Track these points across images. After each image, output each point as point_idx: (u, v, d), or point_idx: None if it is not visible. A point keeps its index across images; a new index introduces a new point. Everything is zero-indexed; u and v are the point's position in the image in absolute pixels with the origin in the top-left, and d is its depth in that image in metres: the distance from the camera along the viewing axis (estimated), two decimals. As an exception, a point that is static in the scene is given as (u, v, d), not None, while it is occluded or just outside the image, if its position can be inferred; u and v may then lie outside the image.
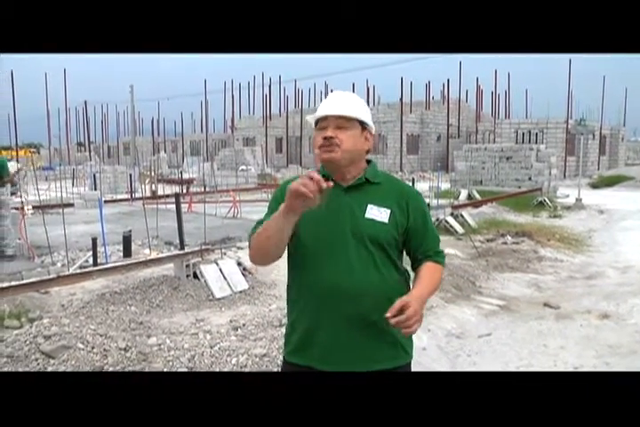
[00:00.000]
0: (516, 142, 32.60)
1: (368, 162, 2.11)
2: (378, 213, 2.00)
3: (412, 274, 2.16)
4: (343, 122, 1.97)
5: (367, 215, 1.99)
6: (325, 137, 1.96)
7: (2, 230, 8.56)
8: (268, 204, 2.16)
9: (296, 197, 1.73)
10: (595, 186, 26.62)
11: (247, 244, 2.13)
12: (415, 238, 2.09)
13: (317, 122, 2.04)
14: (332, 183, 1.74)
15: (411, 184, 15.36)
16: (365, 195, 2.03)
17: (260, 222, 2.03)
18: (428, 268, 2.08)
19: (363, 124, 2.03)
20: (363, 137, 2.04)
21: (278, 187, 2.16)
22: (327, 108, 2.01)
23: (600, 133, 37.49)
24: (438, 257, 2.13)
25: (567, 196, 19.80)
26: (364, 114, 2.04)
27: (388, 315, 1.81)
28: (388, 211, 2.01)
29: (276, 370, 4.20)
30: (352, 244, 1.97)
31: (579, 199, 17.04)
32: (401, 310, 1.81)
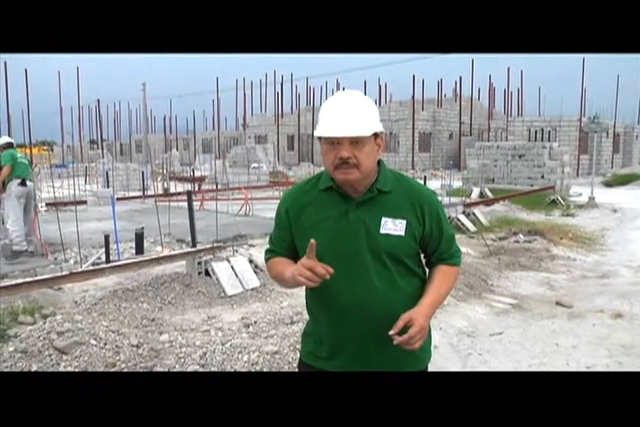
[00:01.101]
0: (529, 140, 32.39)
1: (377, 162, 2.00)
2: (393, 227, 1.92)
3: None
4: (357, 137, 1.84)
5: (382, 230, 1.92)
6: (342, 157, 1.84)
7: (30, 227, 8.67)
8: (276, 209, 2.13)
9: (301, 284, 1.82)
10: (608, 184, 26.38)
11: (258, 241, 2.15)
12: (432, 244, 2.04)
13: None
14: (332, 270, 1.77)
15: (423, 182, 15.25)
16: (378, 207, 1.94)
17: (270, 251, 2.10)
18: (440, 272, 2.05)
19: (374, 133, 1.90)
20: (376, 146, 1.92)
21: (278, 207, 2.09)
22: (338, 125, 1.83)
23: (614, 131, 37.14)
24: (453, 258, 2.08)
25: (580, 194, 19.66)
26: (377, 123, 1.90)
27: (391, 332, 1.79)
28: (404, 222, 1.93)
29: (287, 367, 4.21)
30: (370, 261, 1.92)
31: (592, 198, 16.91)
32: (405, 326, 1.80)
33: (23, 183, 8.52)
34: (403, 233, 1.93)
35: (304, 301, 2.20)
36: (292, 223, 2.01)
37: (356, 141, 1.84)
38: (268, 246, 2.17)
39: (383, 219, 1.93)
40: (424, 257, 2.11)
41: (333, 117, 1.85)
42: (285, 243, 2.07)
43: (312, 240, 1.77)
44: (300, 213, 2.00)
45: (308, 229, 1.96)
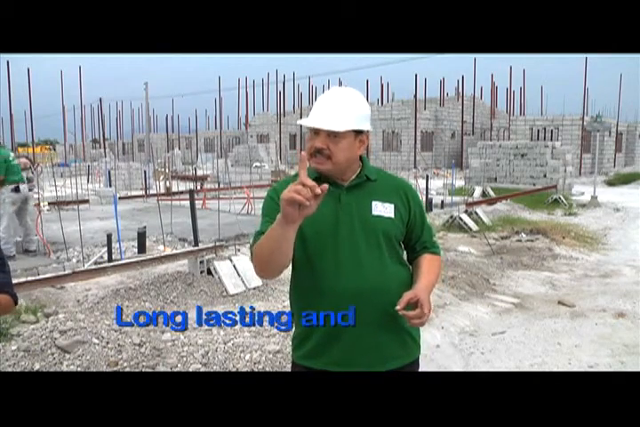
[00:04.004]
0: (531, 139, 32.36)
1: (360, 157, 2.06)
2: (383, 209, 2.00)
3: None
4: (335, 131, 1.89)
5: (374, 212, 1.98)
6: (315, 147, 1.90)
7: (28, 226, 8.65)
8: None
9: (291, 206, 1.61)
10: (610, 183, 26.37)
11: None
12: (415, 231, 2.10)
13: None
14: (326, 186, 1.62)
15: (425, 182, 15.16)
16: (367, 192, 2.02)
17: (259, 233, 1.91)
18: (427, 260, 2.10)
19: (355, 131, 1.94)
20: (357, 142, 1.96)
21: (268, 193, 2.06)
22: (319, 118, 1.90)
23: (616, 130, 37.10)
24: (435, 248, 2.15)
25: (582, 193, 19.65)
26: (359, 120, 1.94)
27: (397, 308, 1.83)
28: (392, 205, 2.01)
29: (289, 367, 4.21)
30: (363, 243, 1.96)
31: (594, 197, 16.90)
32: (409, 303, 1.84)
33: (17, 189, 8.34)
34: (392, 215, 2.00)
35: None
36: None
37: (333, 135, 1.90)
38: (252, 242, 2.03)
39: (373, 202, 2.00)
40: (406, 247, 2.15)
41: (317, 109, 1.94)
42: None
43: (303, 153, 1.72)
44: None
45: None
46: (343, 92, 1.98)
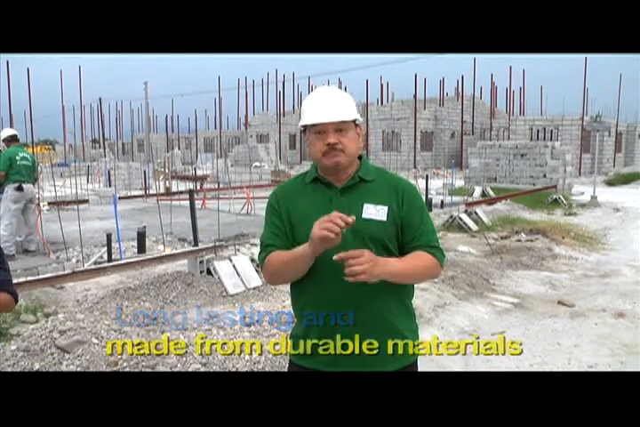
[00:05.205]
0: (531, 139, 32.36)
1: (359, 157, 2.09)
2: (375, 212, 1.98)
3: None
4: (341, 124, 1.96)
5: (364, 215, 1.96)
6: (329, 143, 1.94)
7: (31, 226, 8.63)
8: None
9: (324, 242, 1.77)
10: (610, 183, 26.38)
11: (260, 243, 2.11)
12: (409, 230, 2.00)
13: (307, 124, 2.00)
14: (354, 217, 1.76)
15: (425, 182, 15.10)
16: (360, 194, 2.01)
17: (266, 246, 2.03)
18: (414, 253, 1.98)
19: (355, 122, 2.02)
20: (357, 135, 2.03)
21: (270, 200, 2.11)
22: (323, 113, 1.96)
23: (616, 130, 37.11)
24: (433, 250, 2.01)
25: (582, 193, 19.66)
26: (355, 110, 2.03)
27: (335, 257, 1.78)
28: (385, 208, 1.98)
29: (287, 366, 4.21)
30: (353, 246, 1.91)
31: (594, 197, 16.91)
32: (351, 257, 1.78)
33: (20, 188, 8.25)
34: (384, 218, 1.97)
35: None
36: (284, 212, 2.05)
37: (339, 129, 1.96)
38: (259, 251, 2.10)
39: (365, 205, 1.99)
40: (403, 249, 2.03)
41: (317, 107, 1.99)
42: (281, 231, 2.04)
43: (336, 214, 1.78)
44: (289, 203, 2.06)
45: (299, 218, 2.02)
46: (329, 90, 2.06)
